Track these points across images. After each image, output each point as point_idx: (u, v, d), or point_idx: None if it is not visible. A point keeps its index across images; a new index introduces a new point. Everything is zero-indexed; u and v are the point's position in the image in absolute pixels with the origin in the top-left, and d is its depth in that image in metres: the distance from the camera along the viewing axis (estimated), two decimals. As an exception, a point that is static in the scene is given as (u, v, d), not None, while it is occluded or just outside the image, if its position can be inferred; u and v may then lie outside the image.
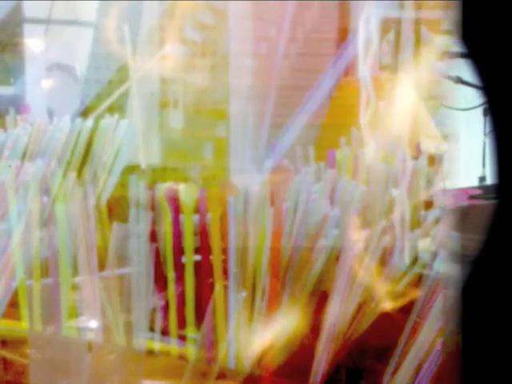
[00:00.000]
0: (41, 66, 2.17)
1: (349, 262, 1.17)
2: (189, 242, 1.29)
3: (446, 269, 1.10)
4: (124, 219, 1.28)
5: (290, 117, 1.74)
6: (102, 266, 1.27)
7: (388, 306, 1.17)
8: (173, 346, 1.29)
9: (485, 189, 1.39)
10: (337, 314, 1.17)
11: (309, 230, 1.23)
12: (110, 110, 1.69)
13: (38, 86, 2.17)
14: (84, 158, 1.50)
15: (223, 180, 1.84)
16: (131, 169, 1.52)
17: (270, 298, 1.22)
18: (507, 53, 0.63)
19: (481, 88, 0.65)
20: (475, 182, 1.69)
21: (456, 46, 0.68)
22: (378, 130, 1.36)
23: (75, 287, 1.28)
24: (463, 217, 1.07)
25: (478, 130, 1.77)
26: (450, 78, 1.62)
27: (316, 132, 1.75)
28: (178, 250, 1.30)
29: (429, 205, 1.27)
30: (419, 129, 1.46)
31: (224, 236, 1.25)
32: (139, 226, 1.27)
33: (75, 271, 1.27)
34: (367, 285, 1.17)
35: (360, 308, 1.18)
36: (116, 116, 1.55)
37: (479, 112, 1.66)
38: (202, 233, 1.28)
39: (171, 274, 1.30)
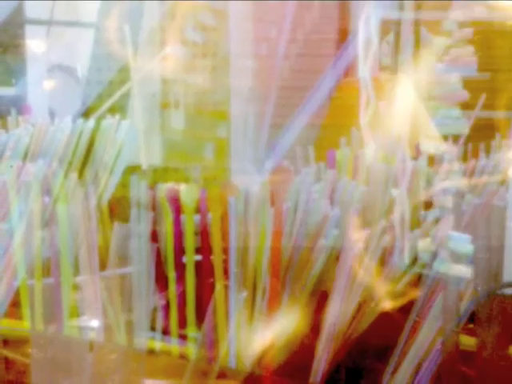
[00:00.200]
0: (42, 67, 2.18)
1: (349, 262, 1.17)
2: (190, 241, 1.29)
3: (446, 269, 1.11)
4: (125, 219, 1.28)
5: (290, 117, 1.75)
6: (103, 265, 1.27)
7: (388, 305, 1.17)
8: (174, 345, 1.30)
9: None
10: (337, 313, 1.17)
11: (309, 230, 1.23)
12: (112, 110, 1.70)
13: (39, 86, 2.18)
14: (85, 158, 1.50)
15: (224, 180, 1.84)
16: (132, 169, 1.52)
17: (271, 298, 1.22)
18: None
19: None
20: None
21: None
22: (378, 130, 1.37)
23: (76, 287, 1.28)
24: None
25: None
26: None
27: (316, 132, 1.76)
28: (179, 250, 1.30)
29: (428, 205, 1.27)
30: (419, 129, 1.47)
31: (225, 236, 1.25)
32: (140, 225, 1.27)
33: (76, 271, 1.28)
34: (367, 284, 1.18)
35: (360, 308, 1.18)
36: (117, 117, 1.55)
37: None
38: (203, 233, 1.28)
39: (172, 274, 1.30)
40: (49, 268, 1.29)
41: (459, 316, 1.11)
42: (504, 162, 1.39)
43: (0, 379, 1.32)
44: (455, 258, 1.10)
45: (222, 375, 1.24)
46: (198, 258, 1.30)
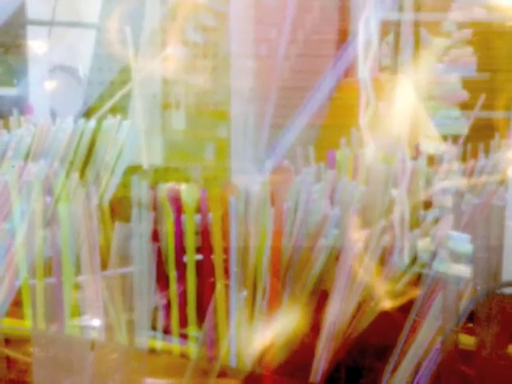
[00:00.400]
0: (44, 68, 2.18)
1: (349, 262, 1.18)
2: (190, 241, 1.30)
3: (445, 268, 1.11)
4: (126, 219, 1.29)
5: (290, 118, 1.75)
6: (104, 265, 1.27)
7: (387, 304, 1.18)
8: (174, 344, 1.30)
9: None
10: (337, 312, 1.17)
11: (309, 229, 1.24)
12: (113, 111, 1.70)
13: (41, 87, 2.18)
14: (87, 158, 1.50)
15: (224, 180, 1.84)
16: (133, 169, 1.52)
17: (271, 297, 1.23)
18: None
19: None
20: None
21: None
22: (378, 130, 1.37)
23: (78, 286, 1.28)
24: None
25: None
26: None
27: (316, 133, 1.76)
28: (180, 250, 1.30)
29: (428, 205, 1.27)
30: (418, 129, 1.47)
31: (225, 236, 1.26)
32: (141, 225, 1.27)
33: (78, 270, 1.28)
34: (367, 284, 1.18)
35: (360, 307, 1.19)
36: (118, 117, 1.55)
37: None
38: (204, 232, 1.28)
39: (173, 273, 1.30)
40: (50, 267, 1.29)
41: (458, 315, 1.11)
42: (503, 161, 1.39)
43: (2, 378, 1.32)
44: (455, 258, 1.11)
45: (222, 374, 1.24)
46: (199, 257, 1.30)
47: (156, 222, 1.30)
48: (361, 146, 1.41)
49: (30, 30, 2.19)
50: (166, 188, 1.33)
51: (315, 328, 1.19)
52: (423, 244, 1.20)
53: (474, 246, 1.11)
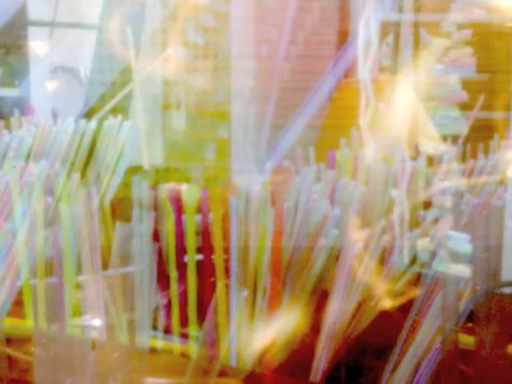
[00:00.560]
0: (45, 68, 2.18)
1: (349, 262, 1.18)
2: (191, 241, 1.30)
3: (445, 268, 1.11)
4: (127, 219, 1.29)
5: (290, 118, 1.75)
6: (105, 265, 1.27)
7: (387, 304, 1.18)
8: (175, 343, 1.30)
9: None
10: (337, 312, 1.18)
11: (309, 229, 1.24)
12: (114, 111, 1.70)
13: (42, 87, 2.19)
14: (88, 158, 1.50)
15: (225, 180, 1.85)
16: (134, 169, 1.52)
17: (271, 297, 1.23)
18: None
19: None
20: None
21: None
22: (378, 130, 1.37)
23: (79, 286, 1.29)
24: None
25: None
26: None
27: (316, 133, 1.76)
28: (181, 250, 1.30)
29: (427, 205, 1.28)
30: (418, 130, 1.47)
31: (226, 236, 1.26)
32: (142, 225, 1.27)
33: (79, 270, 1.28)
34: (367, 284, 1.18)
35: (360, 306, 1.19)
36: (119, 117, 1.55)
37: None
38: (204, 232, 1.29)
39: (174, 273, 1.30)
40: (51, 267, 1.30)
41: (458, 315, 1.11)
42: (502, 162, 1.40)
43: (3, 377, 1.32)
44: (454, 258, 1.11)
45: (223, 373, 1.25)
46: (200, 257, 1.30)
47: (157, 222, 1.30)
48: (361, 147, 1.42)
49: (32, 30, 2.19)
50: (166, 188, 1.34)
51: (315, 327, 1.19)
52: (423, 244, 1.20)
53: (474, 246, 1.11)
